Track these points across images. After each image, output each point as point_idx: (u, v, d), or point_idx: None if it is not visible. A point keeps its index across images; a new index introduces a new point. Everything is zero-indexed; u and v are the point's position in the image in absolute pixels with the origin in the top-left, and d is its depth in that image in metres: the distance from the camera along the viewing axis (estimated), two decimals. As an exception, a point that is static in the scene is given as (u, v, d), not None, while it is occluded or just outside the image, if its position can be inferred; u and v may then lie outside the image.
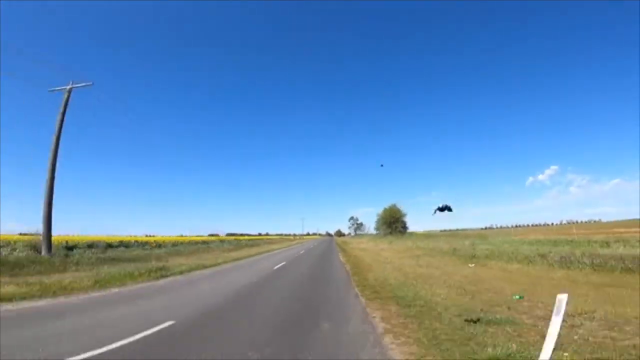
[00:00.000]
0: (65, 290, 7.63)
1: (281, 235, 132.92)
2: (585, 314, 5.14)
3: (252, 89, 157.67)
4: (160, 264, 13.77)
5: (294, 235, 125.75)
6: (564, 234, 31.93)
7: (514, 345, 3.57)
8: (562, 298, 2.94)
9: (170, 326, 4.69)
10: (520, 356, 3.22)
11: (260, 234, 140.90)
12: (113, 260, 16.56)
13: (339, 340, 4.07)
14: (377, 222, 59.60)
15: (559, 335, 2.38)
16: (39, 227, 16.52)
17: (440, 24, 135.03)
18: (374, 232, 67.55)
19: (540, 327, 4.37)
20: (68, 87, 17.46)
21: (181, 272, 12.24)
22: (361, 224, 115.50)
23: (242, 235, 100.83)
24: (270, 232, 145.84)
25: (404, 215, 54.47)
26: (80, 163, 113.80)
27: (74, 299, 6.91)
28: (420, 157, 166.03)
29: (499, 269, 11.68)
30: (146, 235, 56.69)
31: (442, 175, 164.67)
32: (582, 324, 4.60)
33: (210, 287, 8.88)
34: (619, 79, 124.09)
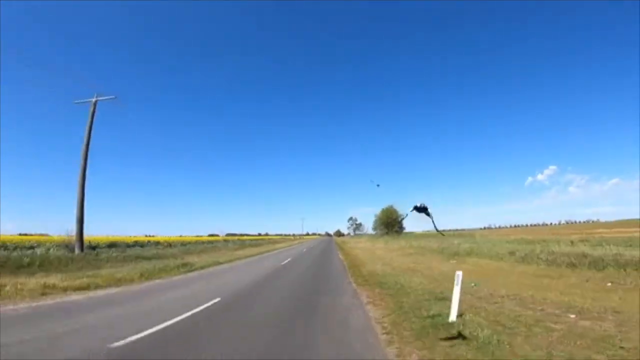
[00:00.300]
0: (124, 281, 9.69)
1: (280, 235, 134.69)
2: (512, 296, 7.21)
3: (251, 89, 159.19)
4: (182, 261, 15.84)
5: (294, 235, 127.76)
6: (548, 234, 34.11)
7: (446, 311, 5.63)
8: (459, 274, 5.08)
9: (219, 301, 6.76)
10: (443, 315, 5.28)
11: (260, 234, 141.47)
12: (137, 258, 18.57)
13: (335, 307, 6.15)
14: (375, 222, 62.00)
15: (481, 308, 4.45)
16: (67, 229, 18.64)
17: (440, 24, 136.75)
18: (373, 232, 69.72)
19: (474, 303, 6.44)
20: (93, 100, 19.43)
21: (203, 267, 14.33)
22: (360, 224, 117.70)
23: (241, 235, 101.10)
24: (269, 232, 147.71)
25: (401, 216, 56.63)
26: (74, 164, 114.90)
27: (135, 287, 8.98)
28: (420, 156, 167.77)
29: (472, 264, 13.77)
30: (145, 235, 58.47)
31: (442, 175, 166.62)
32: (503, 302, 6.66)
33: (234, 278, 10.97)
34: (618, 79, 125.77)
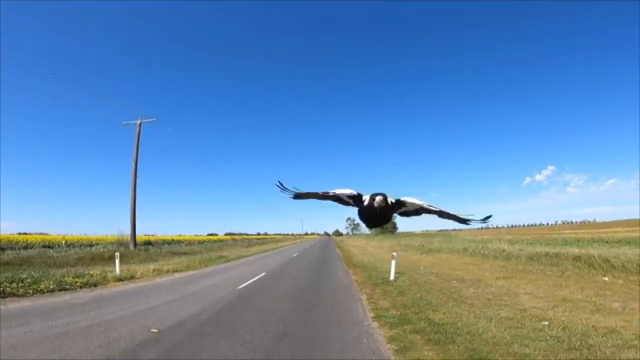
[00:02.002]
0: (192, 267, 14.45)
1: (280, 235, 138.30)
2: (438, 273, 12.01)
3: (251, 90, 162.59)
4: (218, 254, 20.67)
5: (293, 234, 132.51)
6: (522, 234, 39.15)
7: (392, 278, 10.43)
8: (395, 255, 10.01)
9: (265, 274, 11.58)
10: (387, 277, 10.07)
11: (258, 233, 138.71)
12: (175, 254, 23.33)
13: (333, 277, 11.01)
14: (371, 222, 66.76)
15: (420, 282, 9.33)
16: (120, 230, 23.46)
17: (438, 24, 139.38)
18: (369, 232, 74.75)
19: (412, 275, 11.27)
20: (138, 122, 24.16)
21: (235, 259, 19.17)
22: (358, 224, 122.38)
23: (240, 234, 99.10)
24: (268, 232, 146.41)
25: (394, 217, 61.41)
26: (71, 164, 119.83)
27: (205, 270, 13.76)
28: (418, 156, 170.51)
29: (436, 257, 18.57)
30: (144, 235, 61.73)
31: (440, 175, 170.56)
32: (429, 276, 11.46)
33: (264, 264, 15.79)
34: (616, 79, 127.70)
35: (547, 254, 12.73)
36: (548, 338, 4.05)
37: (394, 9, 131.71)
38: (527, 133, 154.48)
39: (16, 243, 20.69)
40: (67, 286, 8.00)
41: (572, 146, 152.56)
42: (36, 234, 28.56)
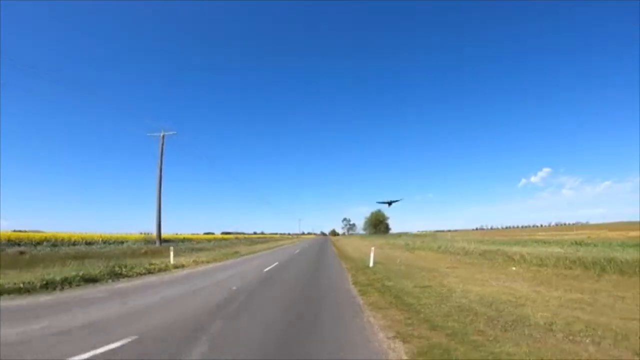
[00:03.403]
0: (219, 260, 18.35)
1: (278, 234, 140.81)
2: (410, 265, 16.03)
3: (249, 90, 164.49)
4: (233, 250, 24.53)
5: (289, 234, 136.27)
6: (506, 235, 43.45)
7: (370, 264, 14.40)
8: (372, 248, 14.08)
9: (278, 264, 15.51)
10: (368, 264, 14.05)
11: (255, 233, 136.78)
12: (193, 250, 27.15)
13: (329, 264, 14.99)
14: (365, 223, 71.29)
15: (390, 268, 13.38)
16: (145, 229, 27.22)
17: (436, 24, 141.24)
18: (364, 232, 78.95)
19: (388, 264, 15.27)
20: (161, 134, 27.96)
21: (248, 254, 23.04)
22: (353, 225, 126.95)
23: (237, 233, 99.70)
24: (265, 231, 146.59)
25: (387, 218, 65.90)
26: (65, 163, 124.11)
27: (227, 262, 17.59)
28: (416, 157, 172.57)
29: (415, 253, 22.60)
30: (141, 233, 64.82)
31: (438, 175, 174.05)
32: (400, 265, 15.46)
33: (274, 257, 19.67)
34: (613, 82, 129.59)
35: (490, 251, 16.82)
36: (439, 295, 8.00)
37: (394, 9, 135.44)
38: (522, 135, 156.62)
39: (62, 240, 24.39)
40: (151, 271, 11.87)
41: (567, 148, 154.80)
42: (66, 232, 32.16)
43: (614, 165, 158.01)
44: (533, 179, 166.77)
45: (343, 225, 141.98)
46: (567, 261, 10.90)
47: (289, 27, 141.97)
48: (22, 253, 14.30)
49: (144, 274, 11.38)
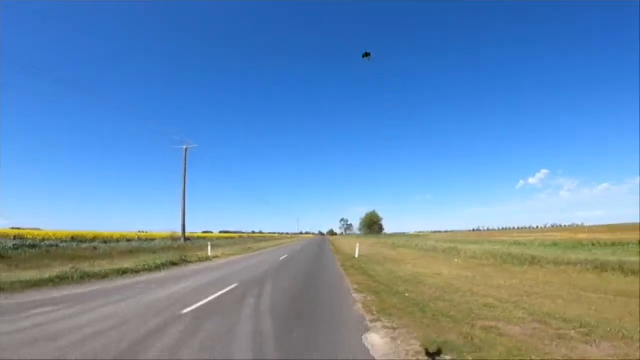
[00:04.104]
0: (239, 253, 23.34)
1: (276, 233, 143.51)
2: (386, 257, 21.06)
3: (249, 90, 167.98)
4: (246, 246, 29.55)
5: (287, 234, 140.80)
6: (491, 236, 48.60)
7: (356, 255, 19.41)
8: (358, 243, 19.21)
9: (288, 256, 20.52)
10: (354, 255, 19.08)
11: (253, 232, 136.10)
12: (212, 246, 32.12)
13: (326, 256, 20.05)
14: (360, 224, 76.51)
15: (370, 259, 18.48)
16: (172, 228, 32.19)
17: (435, 26, 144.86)
18: (359, 232, 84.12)
19: (370, 256, 20.33)
20: (184, 147, 32.91)
21: (259, 250, 28.05)
22: (350, 225, 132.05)
23: (235, 232, 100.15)
24: (263, 231, 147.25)
25: (381, 219, 71.10)
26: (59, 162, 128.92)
27: (248, 255, 22.57)
28: (415, 158, 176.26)
29: (396, 250, 27.65)
30: (138, 231, 69.28)
31: (437, 176, 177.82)
32: (378, 257, 20.49)
33: (282, 252, 24.66)
34: (611, 85, 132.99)
35: (449, 248, 21.91)
36: (391, 272, 13.00)
37: (394, 10, 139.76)
38: (521, 137, 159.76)
39: (81, 237, 29.32)
40: (201, 259, 16.83)
41: (565, 150, 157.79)
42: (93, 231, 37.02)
43: (612, 167, 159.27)
44: (531, 180, 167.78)
45: (341, 226, 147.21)
46: (488, 255, 15.94)
47: (289, 28, 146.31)
48: (95, 248, 19.20)
49: (198, 261, 16.35)
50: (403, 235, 65.19)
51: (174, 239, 32.00)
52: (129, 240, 29.50)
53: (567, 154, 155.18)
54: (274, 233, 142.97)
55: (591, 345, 3.94)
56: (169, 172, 51.60)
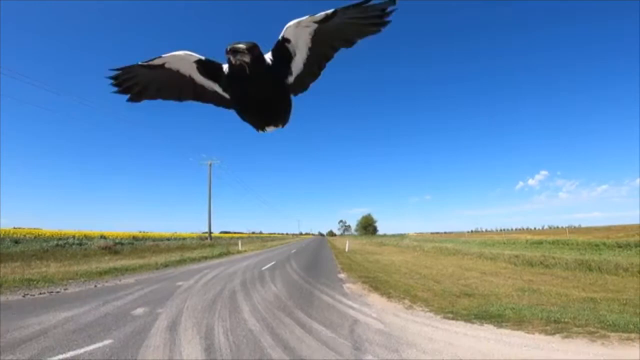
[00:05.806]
0: (258, 249, 30.57)
1: (276, 234, 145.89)
2: (371, 252, 28.25)
3: None
4: (263, 243, 36.79)
5: (287, 234, 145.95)
6: (483, 237, 55.91)
7: (347, 251, 26.57)
8: (347, 241, 26.59)
9: (296, 250, 27.73)
10: (343, 250, 26.29)
11: (253, 232, 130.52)
12: (231, 244, 39.34)
13: (325, 252, 27.30)
14: (357, 226, 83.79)
15: (358, 252, 25.81)
16: (199, 229, 39.47)
17: (432, 30, 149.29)
18: (356, 233, 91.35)
19: (357, 250, 27.56)
20: (209, 162, 40.10)
21: (271, 247, 35.28)
22: (349, 226, 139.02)
23: (234, 233, 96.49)
24: (263, 231, 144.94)
25: (376, 221, 78.34)
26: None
27: (264, 250, 29.78)
28: (415, 159, 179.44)
29: (382, 247, 34.79)
30: (139, 232, 75.61)
31: (436, 178, 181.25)
32: (363, 252, 27.64)
33: (290, 247, 31.81)
34: (611, 86, 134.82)
35: (419, 245, 29.13)
36: (367, 260, 20.16)
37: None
38: (520, 138, 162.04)
39: (139, 237, 36.56)
40: (239, 252, 24.02)
41: (564, 152, 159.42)
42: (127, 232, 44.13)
43: (611, 168, 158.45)
44: (530, 181, 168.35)
45: (339, 227, 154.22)
46: (435, 249, 23.14)
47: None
48: (157, 245, 26.43)
49: (236, 253, 23.53)
50: (393, 236, 72.27)
51: (201, 238, 39.16)
52: (168, 239, 36.67)
53: (567, 155, 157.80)
54: (274, 233, 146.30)
55: (413, 278, 11.17)
56: (169, 172, 58.01)
